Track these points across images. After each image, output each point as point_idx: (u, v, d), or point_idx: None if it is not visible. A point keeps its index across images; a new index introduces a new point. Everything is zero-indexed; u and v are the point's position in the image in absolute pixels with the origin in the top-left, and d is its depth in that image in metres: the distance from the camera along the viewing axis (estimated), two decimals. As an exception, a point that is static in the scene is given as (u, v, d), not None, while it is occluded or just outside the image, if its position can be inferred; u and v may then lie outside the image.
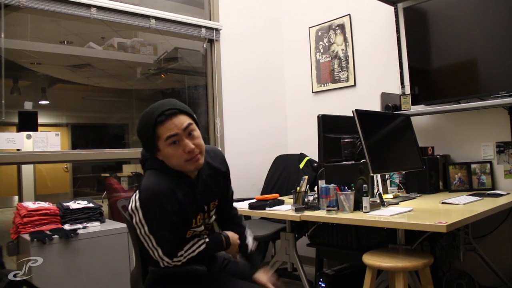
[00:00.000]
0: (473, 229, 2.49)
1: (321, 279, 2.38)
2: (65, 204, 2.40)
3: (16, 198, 8.82)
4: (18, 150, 2.47)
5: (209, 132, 3.45)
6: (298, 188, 2.28)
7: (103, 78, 5.11)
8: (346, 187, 2.04)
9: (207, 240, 1.51)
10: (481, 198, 2.27)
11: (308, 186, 2.32)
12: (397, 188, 2.73)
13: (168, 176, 1.44)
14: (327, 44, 3.57)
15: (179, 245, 1.45)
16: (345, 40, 3.43)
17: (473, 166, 2.65)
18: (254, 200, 2.45)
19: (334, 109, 2.93)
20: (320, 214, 2.06)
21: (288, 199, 2.55)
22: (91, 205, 2.44)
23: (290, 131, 3.90)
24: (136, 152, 2.98)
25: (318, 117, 2.37)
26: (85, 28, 3.46)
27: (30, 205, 2.30)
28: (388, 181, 2.62)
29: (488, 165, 2.62)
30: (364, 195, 1.99)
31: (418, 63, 2.85)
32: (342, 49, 3.45)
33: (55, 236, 2.10)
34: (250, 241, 1.66)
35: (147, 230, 1.39)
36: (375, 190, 2.33)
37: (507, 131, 2.59)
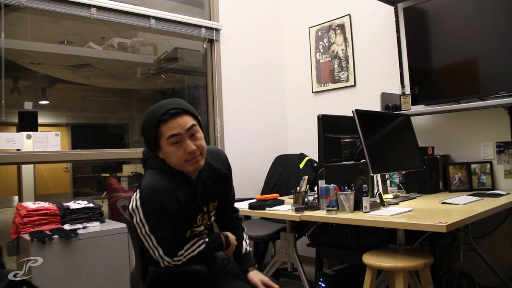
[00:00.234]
0: (473, 229, 2.49)
1: (321, 279, 2.38)
2: (65, 204, 2.40)
3: (16, 198, 8.82)
4: (18, 150, 2.47)
5: (209, 132, 3.45)
6: (298, 188, 2.28)
7: (103, 78, 5.11)
8: (346, 187, 2.04)
9: (207, 239, 1.51)
10: (481, 198, 2.27)
11: (308, 186, 2.32)
12: (397, 188, 2.73)
13: (168, 175, 1.44)
14: (327, 44, 3.57)
15: (179, 245, 1.45)
16: (345, 40, 3.43)
17: (473, 166, 2.65)
18: (254, 200, 2.45)
19: (334, 109, 2.93)
20: (320, 214, 2.06)
21: (288, 199, 2.55)
22: (91, 205, 2.44)
23: (290, 131, 3.90)
24: (136, 152, 2.99)
25: (318, 117, 2.36)
26: (85, 28, 3.46)
27: (30, 205, 2.30)
28: (388, 181, 2.62)
29: (488, 165, 2.62)
30: (364, 195, 1.99)
31: (418, 63, 2.85)
32: (342, 49, 3.45)
33: (55, 236, 2.10)
34: (243, 244, 1.65)
35: (148, 229, 1.39)
36: (375, 190, 2.33)
37: (507, 131, 2.59)
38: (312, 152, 3.03)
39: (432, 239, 2.52)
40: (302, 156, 3.31)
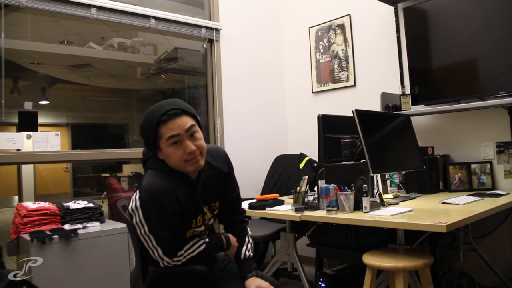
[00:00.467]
0: (473, 229, 2.49)
1: (321, 279, 2.38)
2: (65, 204, 2.40)
3: (16, 198, 8.82)
4: (18, 150, 2.47)
5: (209, 132, 3.45)
6: (298, 188, 2.28)
7: (103, 78, 5.11)
8: (346, 187, 2.04)
9: (207, 240, 1.51)
10: (481, 198, 2.27)
11: (308, 186, 2.32)
12: (397, 188, 2.73)
13: (168, 176, 1.44)
14: (327, 44, 3.57)
15: (179, 245, 1.45)
16: (345, 40, 3.43)
17: (473, 166, 2.65)
18: (254, 200, 2.45)
19: (334, 109, 2.93)
20: (320, 214, 2.06)
21: (288, 199, 2.55)
22: (91, 205, 2.44)
23: (290, 131, 3.90)
24: (136, 152, 2.99)
25: (318, 117, 2.37)
26: (85, 28, 3.46)
27: (30, 205, 2.30)
28: (388, 181, 2.62)
29: (488, 165, 2.62)
30: (364, 195, 1.99)
31: (418, 63, 2.85)
32: (342, 49, 3.45)
33: (55, 236, 2.10)
34: (243, 249, 1.61)
35: (147, 229, 1.39)
36: (375, 190, 2.33)
37: (507, 131, 2.58)
38: (312, 152, 3.04)
39: (432, 239, 2.52)
40: (302, 156, 3.31)
